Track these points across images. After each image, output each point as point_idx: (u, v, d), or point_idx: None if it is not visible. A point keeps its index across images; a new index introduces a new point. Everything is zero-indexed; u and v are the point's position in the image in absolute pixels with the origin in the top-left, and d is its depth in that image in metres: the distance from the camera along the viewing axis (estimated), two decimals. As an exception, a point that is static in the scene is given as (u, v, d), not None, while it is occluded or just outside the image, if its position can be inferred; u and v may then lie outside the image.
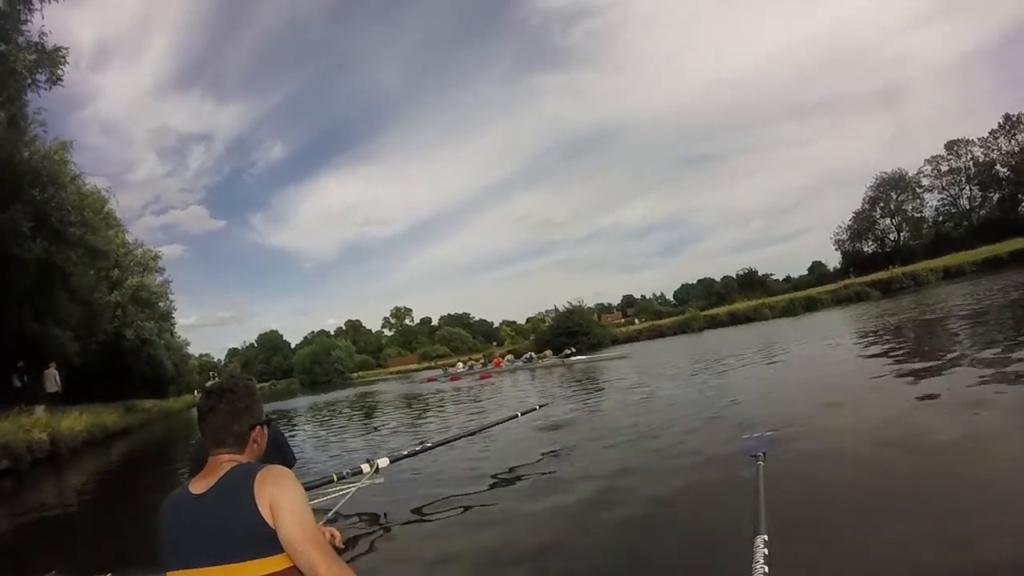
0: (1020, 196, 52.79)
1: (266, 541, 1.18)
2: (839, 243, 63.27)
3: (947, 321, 11.41)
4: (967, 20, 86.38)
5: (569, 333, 35.56)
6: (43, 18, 13.92)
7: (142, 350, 27.75)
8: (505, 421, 5.67)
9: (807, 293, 39.86)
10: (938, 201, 59.00)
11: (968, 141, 56.78)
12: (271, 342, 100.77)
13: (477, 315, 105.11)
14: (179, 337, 41.66)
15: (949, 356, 6.58)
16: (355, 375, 76.41)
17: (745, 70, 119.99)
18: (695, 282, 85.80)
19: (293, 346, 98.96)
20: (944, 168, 58.17)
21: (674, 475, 3.71)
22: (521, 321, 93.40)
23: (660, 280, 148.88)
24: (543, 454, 5.01)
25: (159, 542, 1.26)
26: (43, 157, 15.63)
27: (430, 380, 24.36)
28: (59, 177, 15.91)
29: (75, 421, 12.82)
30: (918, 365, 6.38)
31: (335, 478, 3.67)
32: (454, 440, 5.17)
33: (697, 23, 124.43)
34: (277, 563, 1.18)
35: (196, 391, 40.33)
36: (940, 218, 58.92)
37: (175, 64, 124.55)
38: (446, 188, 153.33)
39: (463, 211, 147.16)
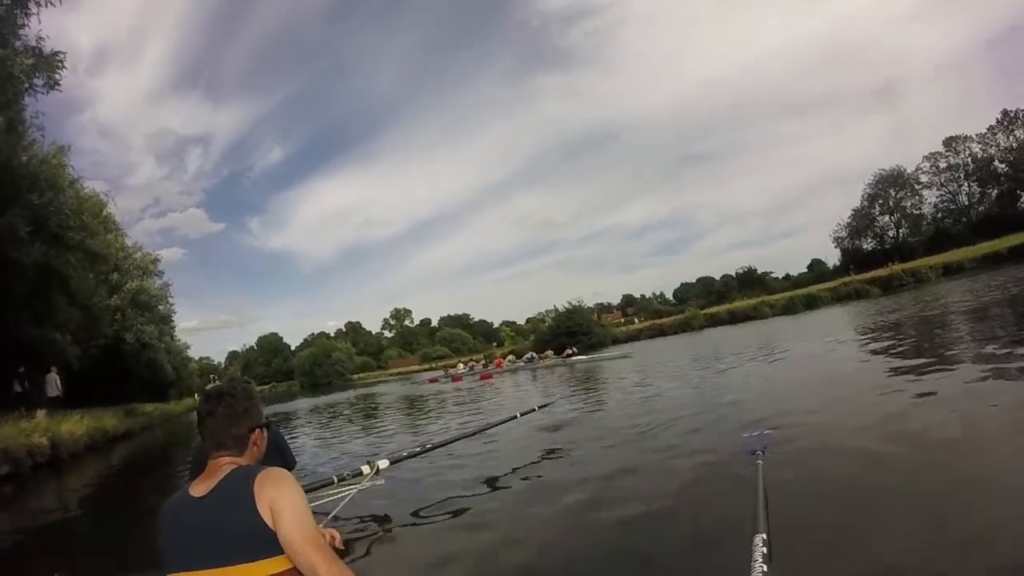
0: (1019, 192, 52.85)
1: (266, 543, 1.18)
2: (838, 240, 63.34)
3: (947, 318, 11.41)
4: (965, 16, 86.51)
5: (569, 333, 35.60)
6: (40, 22, 13.92)
7: (142, 354, 27.70)
8: (505, 422, 5.68)
9: (807, 291, 39.88)
10: (937, 198, 59.14)
11: (966, 137, 56.88)
12: (271, 345, 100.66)
13: (477, 316, 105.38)
14: (179, 340, 41.67)
15: (949, 353, 6.59)
16: (356, 377, 76.38)
17: (743, 68, 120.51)
18: (695, 281, 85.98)
19: (293, 348, 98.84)
20: (943, 164, 58.26)
21: (673, 474, 3.71)
22: (521, 321, 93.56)
23: (659, 279, 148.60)
24: (543, 454, 5.01)
25: (160, 545, 1.27)
26: (41, 161, 15.60)
27: (432, 381, 24.37)
28: (57, 181, 15.88)
29: (76, 425, 12.79)
30: (918, 362, 6.37)
31: (335, 480, 3.68)
32: (454, 441, 5.16)
33: (696, 23, 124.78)
34: (277, 565, 1.18)
35: (197, 394, 40.25)
36: (939, 214, 58.94)
37: (173, 67, 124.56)
38: (445, 189, 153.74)
39: (462, 212, 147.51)
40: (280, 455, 2.63)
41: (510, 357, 27.09)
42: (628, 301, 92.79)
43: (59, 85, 14.56)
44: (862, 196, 60.87)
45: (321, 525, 2.56)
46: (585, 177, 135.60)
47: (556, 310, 42.35)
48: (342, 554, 2.45)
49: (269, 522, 1.19)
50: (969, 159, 56.59)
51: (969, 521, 2.27)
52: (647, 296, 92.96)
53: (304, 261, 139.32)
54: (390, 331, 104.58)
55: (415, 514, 3.72)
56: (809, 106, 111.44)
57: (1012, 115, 53.77)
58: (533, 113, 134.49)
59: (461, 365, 29.85)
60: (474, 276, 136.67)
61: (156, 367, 30.43)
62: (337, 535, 2.44)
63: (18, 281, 14.54)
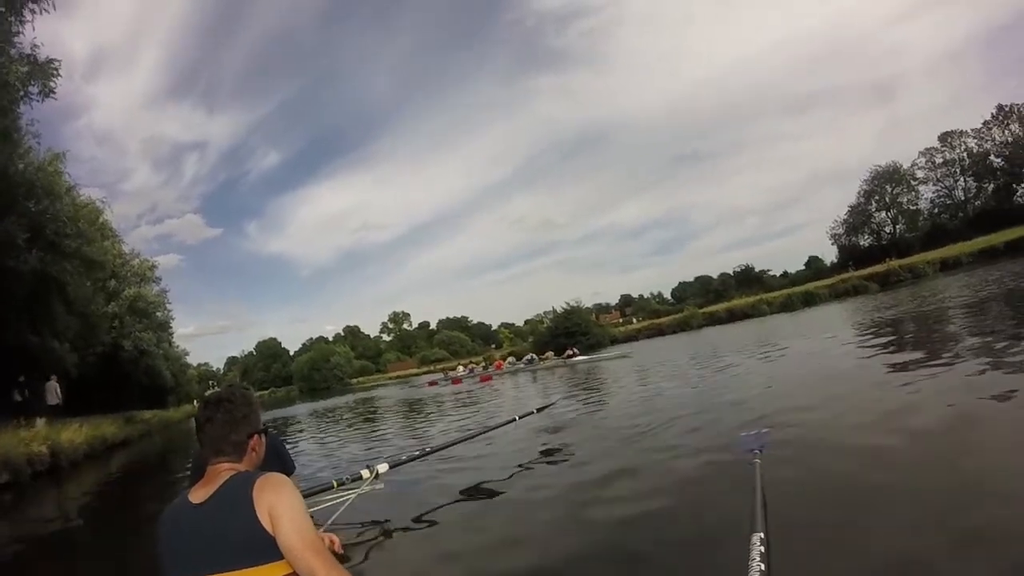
0: (1014, 186, 53.06)
1: (265, 548, 1.19)
2: (835, 237, 63.57)
3: (945, 313, 11.45)
4: (959, 10, 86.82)
5: (568, 334, 35.60)
6: (35, 30, 13.90)
7: (140, 360, 27.64)
8: (503, 425, 5.69)
9: (805, 288, 40.02)
10: (933, 193, 59.33)
11: (962, 132, 57.09)
12: (270, 350, 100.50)
13: (475, 318, 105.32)
14: (178, 347, 41.58)
15: (948, 348, 6.58)
16: (355, 381, 76.27)
17: (738, 67, 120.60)
18: (692, 280, 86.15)
19: (292, 353, 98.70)
20: (938, 160, 58.45)
21: (672, 473, 3.72)
22: (519, 323, 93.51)
23: (657, 279, 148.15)
24: (542, 456, 5.02)
25: (159, 552, 1.27)
26: (37, 169, 15.56)
27: (431, 384, 24.35)
28: (54, 188, 15.84)
29: (75, 433, 12.77)
30: (917, 358, 6.38)
31: (335, 484, 3.67)
32: (453, 445, 5.16)
33: (691, 22, 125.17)
34: (277, 570, 1.19)
35: (195, 401, 40.15)
36: (935, 210, 59.13)
37: (168, 73, 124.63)
38: (442, 191, 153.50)
39: (460, 214, 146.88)
40: (279, 460, 2.64)
41: (510, 359, 27.09)
42: (626, 301, 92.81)
43: (54, 93, 14.54)
44: (858, 193, 61.21)
45: (321, 530, 2.56)
46: (582, 177, 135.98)
47: (554, 311, 42.41)
48: (342, 559, 2.45)
49: (268, 527, 1.19)
50: (965, 154, 56.80)
51: (968, 519, 2.25)
52: (645, 296, 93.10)
53: (302, 265, 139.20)
54: (389, 335, 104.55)
55: (415, 518, 3.72)
56: (804, 103, 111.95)
57: (1007, 109, 54.00)
58: (529, 114, 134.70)
59: (461, 368, 29.82)
60: (472, 278, 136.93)
61: (154, 374, 30.36)
62: (337, 540, 2.44)
63: (15, 289, 14.52)
